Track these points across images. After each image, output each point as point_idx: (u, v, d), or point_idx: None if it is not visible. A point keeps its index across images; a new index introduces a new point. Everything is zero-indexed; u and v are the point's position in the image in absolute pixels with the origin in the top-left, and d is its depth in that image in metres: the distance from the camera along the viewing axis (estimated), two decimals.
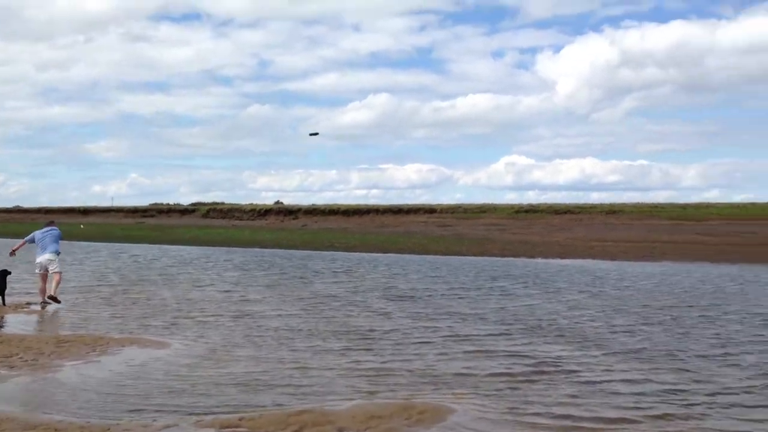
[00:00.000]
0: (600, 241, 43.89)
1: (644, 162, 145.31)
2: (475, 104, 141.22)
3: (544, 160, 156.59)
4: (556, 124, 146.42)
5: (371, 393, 9.02)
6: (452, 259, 34.63)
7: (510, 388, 9.27)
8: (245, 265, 29.31)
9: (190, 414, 8.05)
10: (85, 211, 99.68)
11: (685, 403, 8.57)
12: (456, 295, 19.19)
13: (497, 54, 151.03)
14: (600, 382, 9.56)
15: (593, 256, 35.29)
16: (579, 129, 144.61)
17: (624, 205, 68.93)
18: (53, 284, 16.30)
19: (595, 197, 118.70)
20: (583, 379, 9.72)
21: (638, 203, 70.55)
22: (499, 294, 19.43)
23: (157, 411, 8.15)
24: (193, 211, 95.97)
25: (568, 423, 7.85)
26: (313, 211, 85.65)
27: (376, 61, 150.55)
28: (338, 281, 22.80)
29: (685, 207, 65.07)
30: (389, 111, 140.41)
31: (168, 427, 7.59)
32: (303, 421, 7.76)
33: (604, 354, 11.32)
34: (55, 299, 16.15)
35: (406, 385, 9.39)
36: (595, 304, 17.28)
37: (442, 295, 19.18)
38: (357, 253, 38.58)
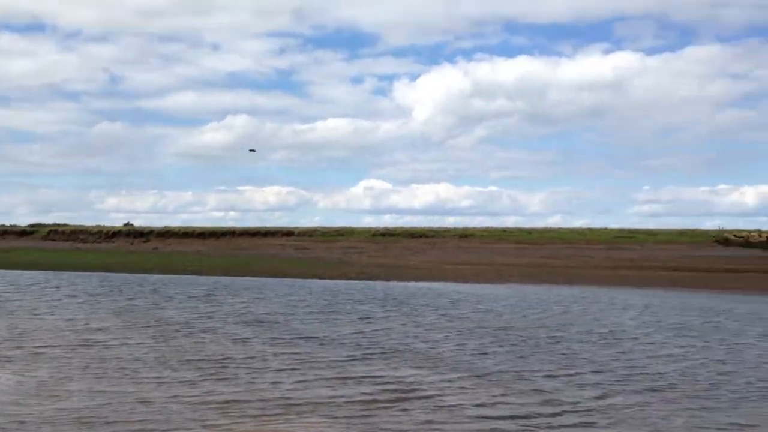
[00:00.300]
0: (453, 264, 45.28)
1: (494, 188, 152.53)
2: (335, 128, 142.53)
3: (401, 185, 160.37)
4: (413, 150, 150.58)
5: (219, 426, 8.65)
6: (310, 282, 34.41)
7: (364, 415, 9.24)
8: (90, 291, 27.56)
9: None
10: None
11: (532, 424, 8.90)
12: (315, 319, 19.04)
13: (356, 80, 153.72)
14: (454, 406, 9.74)
15: (447, 279, 36.31)
16: (434, 155, 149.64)
17: (475, 229, 71.87)
18: None
19: (450, 221, 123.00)
20: (438, 404, 9.88)
21: (488, 227, 73.81)
22: (358, 318, 19.50)
23: None
24: (33, 232, 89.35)
25: None
26: (165, 234, 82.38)
27: (235, 81, 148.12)
28: (192, 306, 21.93)
29: (530, 231, 68.85)
30: (249, 132, 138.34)
31: None
32: None
33: (459, 377, 11.60)
34: None
35: (257, 416, 9.10)
36: (452, 327, 17.76)
37: (301, 319, 18.97)
38: (213, 277, 37.42)
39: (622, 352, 14.29)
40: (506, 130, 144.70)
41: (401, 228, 76.59)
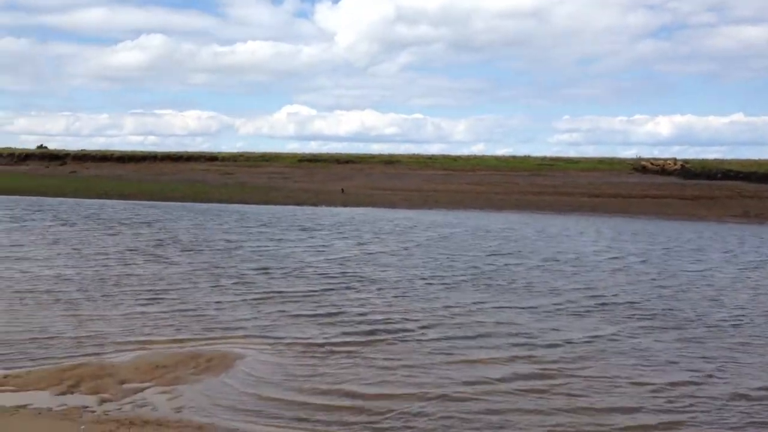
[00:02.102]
0: (380, 189, 45.59)
1: (419, 116, 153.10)
2: (255, 51, 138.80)
3: (326, 110, 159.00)
4: (336, 75, 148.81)
5: (154, 342, 8.69)
6: (238, 207, 34.07)
7: (300, 329, 9.44)
8: (21, 216, 26.50)
9: None
10: None
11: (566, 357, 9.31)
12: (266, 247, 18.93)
13: (276, 1, 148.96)
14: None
15: (375, 205, 36.61)
16: (358, 81, 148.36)
17: (401, 155, 72.13)
18: None
19: (375, 148, 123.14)
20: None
21: (414, 154, 74.27)
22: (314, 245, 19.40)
23: None
24: None
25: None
26: (83, 157, 79.34)
27: None
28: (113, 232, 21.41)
29: (456, 158, 69.66)
30: (165, 53, 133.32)
31: None
32: (79, 375, 7.31)
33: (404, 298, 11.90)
34: None
35: (194, 331, 9.18)
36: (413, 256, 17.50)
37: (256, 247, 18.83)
38: (136, 201, 36.54)
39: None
40: (430, 57, 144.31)
41: (327, 154, 76.23)
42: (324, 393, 7.08)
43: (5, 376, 7.19)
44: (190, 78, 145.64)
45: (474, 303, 11.45)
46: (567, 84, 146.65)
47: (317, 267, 14.78)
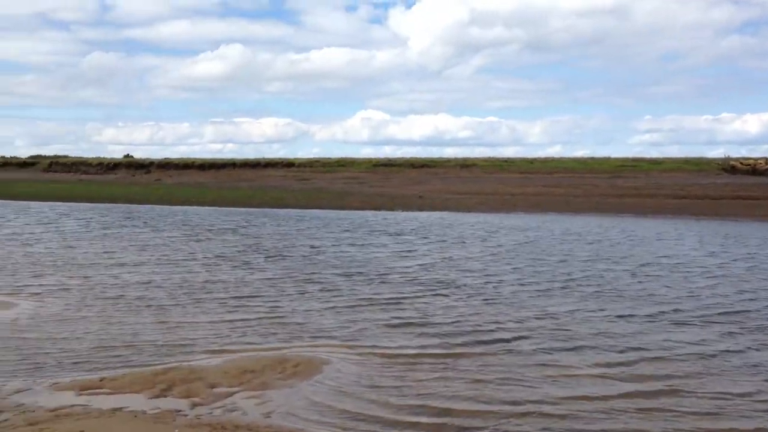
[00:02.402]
0: (456, 193, 45.28)
1: (493, 118, 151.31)
2: (330, 58, 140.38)
3: (399, 115, 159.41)
4: (410, 80, 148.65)
5: (241, 347, 8.79)
6: (316, 212, 34.46)
7: (386, 337, 9.38)
8: (112, 223, 27.62)
9: (45, 375, 7.48)
10: None
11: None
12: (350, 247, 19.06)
13: (351, 7, 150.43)
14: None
15: (451, 209, 36.35)
16: (432, 85, 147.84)
17: (477, 159, 71.50)
18: None
19: (449, 152, 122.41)
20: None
21: (489, 157, 73.41)
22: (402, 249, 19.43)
23: (5, 374, 7.50)
24: (34, 164, 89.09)
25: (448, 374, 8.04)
26: (166, 165, 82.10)
27: (227, 10, 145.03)
28: (224, 239, 21.96)
29: (532, 161, 68.53)
30: (243, 62, 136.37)
31: (20, 391, 7.01)
32: (170, 379, 7.43)
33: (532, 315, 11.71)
34: None
35: (280, 337, 9.24)
36: (501, 255, 17.48)
37: (330, 249, 19.00)
38: (217, 208, 37.49)
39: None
40: (504, 59, 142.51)
41: (402, 158, 76.26)
42: (411, 405, 6.88)
43: (101, 379, 7.38)
44: (267, 86, 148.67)
45: (567, 311, 11.03)
46: (648, 82, 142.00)
47: (401, 272, 14.67)
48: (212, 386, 7.28)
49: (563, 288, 13.03)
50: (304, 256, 17.20)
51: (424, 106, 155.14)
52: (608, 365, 8.20)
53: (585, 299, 11.97)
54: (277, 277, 13.95)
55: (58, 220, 27.87)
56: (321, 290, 12.54)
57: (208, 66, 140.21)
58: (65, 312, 10.49)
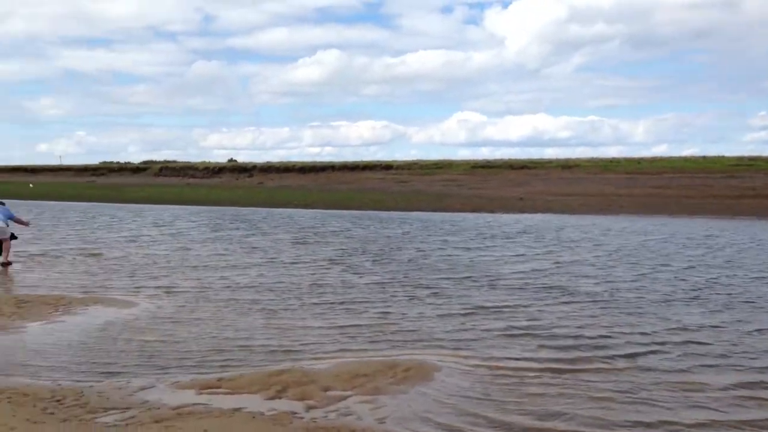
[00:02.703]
0: (559, 195, 44.22)
1: (594, 117, 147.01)
2: (426, 60, 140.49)
3: (496, 116, 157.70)
4: (507, 80, 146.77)
5: (350, 350, 8.78)
6: (416, 215, 34.43)
7: (499, 345, 9.13)
8: (221, 225, 28.63)
9: (166, 374, 7.70)
10: (33, 170, 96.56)
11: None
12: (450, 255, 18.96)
13: (446, 9, 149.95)
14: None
15: (553, 211, 35.47)
16: (529, 84, 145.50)
17: (579, 159, 69.61)
18: (5, 252, 15.71)
19: (549, 153, 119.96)
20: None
21: (593, 158, 71.30)
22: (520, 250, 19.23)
23: (130, 372, 7.77)
24: (145, 169, 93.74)
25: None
26: (268, 169, 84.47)
27: (324, 16, 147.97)
28: (328, 242, 22.33)
29: (639, 161, 65.99)
30: (339, 67, 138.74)
31: (144, 388, 7.23)
32: (285, 381, 7.47)
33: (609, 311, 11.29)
34: (5, 264, 15.48)
35: (390, 342, 9.18)
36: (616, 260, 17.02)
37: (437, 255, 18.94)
38: (318, 210, 38.13)
39: None
40: (605, 56, 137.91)
41: (501, 160, 75.25)
42: (530, 424, 6.46)
43: (219, 379, 7.52)
44: (363, 89, 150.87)
45: (697, 322, 10.28)
46: (761, 76, 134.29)
47: (511, 277, 14.30)
48: (325, 389, 7.28)
49: (690, 296, 12.24)
50: (410, 259, 17.09)
51: (521, 106, 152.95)
52: (751, 386, 7.49)
53: (716, 310, 11.17)
54: (385, 281, 13.89)
55: (172, 222, 29.09)
56: (430, 295, 12.38)
57: (306, 71, 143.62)
58: (179, 313, 10.81)
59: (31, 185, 67.02)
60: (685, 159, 66.04)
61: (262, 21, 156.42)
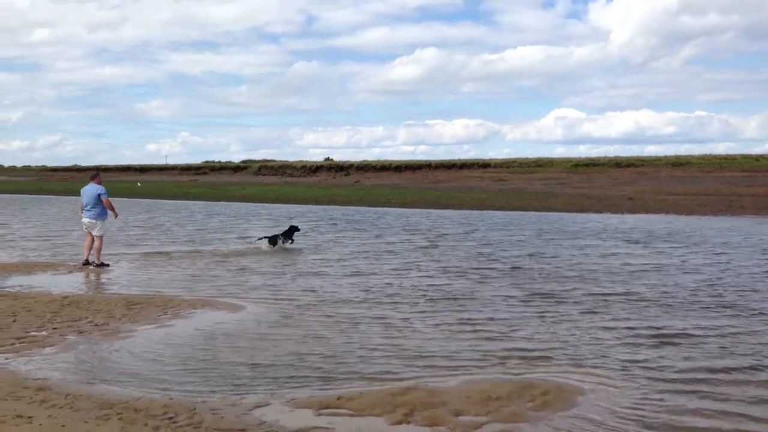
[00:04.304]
0: (670, 194, 41.80)
1: (702, 113, 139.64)
2: (525, 56, 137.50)
3: (596, 113, 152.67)
4: (609, 75, 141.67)
5: (481, 367, 7.94)
6: (518, 214, 33.19)
7: (643, 365, 8.09)
8: (342, 228, 28.47)
9: (281, 389, 7.11)
10: (141, 169, 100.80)
11: None
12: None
13: (548, 4, 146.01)
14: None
15: (666, 211, 33.40)
16: (633, 79, 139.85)
17: (690, 156, 65.83)
18: (95, 250, 15.45)
19: (650, 150, 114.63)
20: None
21: (705, 155, 67.23)
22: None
23: (243, 384, 7.24)
24: (245, 168, 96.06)
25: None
26: (364, 167, 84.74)
27: (423, 14, 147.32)
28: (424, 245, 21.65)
29: (758, 158, 61.64)
30: (437, 65, 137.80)
31: (260, 406, 6.65)
32: (411, 402, 6.73)
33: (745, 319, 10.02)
34: (100, 265, 15.26)
35: (518, 359, 8.28)
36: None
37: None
38: (429, 210, 37.46)
39: None
40: (718, 48, 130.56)
41: (605, 157, 72.30)
42: None
43: (339, 398, 6.87)
44: (461, 87, 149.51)
45: None
46: None
47: (664, 290, 12.53)
48: (457, 414, 6.49)
49: None
50: (539, 268, 15.47)
51: (623, 102, 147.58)
52: None
53: None
54: (518, 296, 12.44)
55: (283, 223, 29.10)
56: (555, 303, 11.38)
57: (404, 70, 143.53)
58: (290, 321, 10.30)
59: (138, 184, 69.73)
60: None
61: (363, 21, 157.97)
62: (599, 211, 34.12)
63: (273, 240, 18.00)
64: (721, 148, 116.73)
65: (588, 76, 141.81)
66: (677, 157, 65.33)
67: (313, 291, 12.45)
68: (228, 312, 10.74)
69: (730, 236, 21.69)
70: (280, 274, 14.39)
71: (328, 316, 10.40)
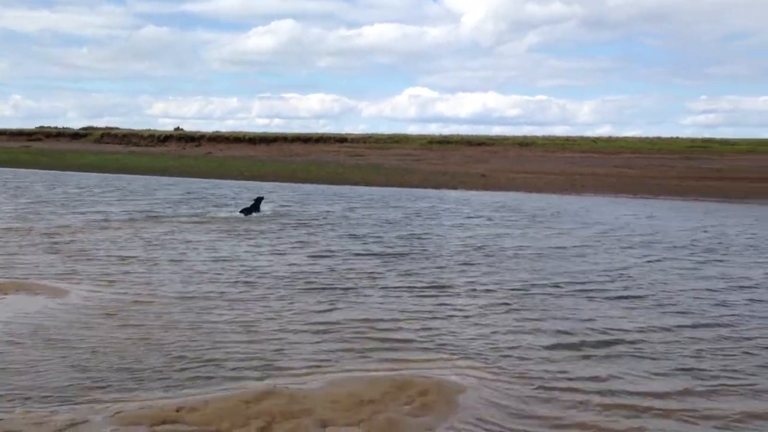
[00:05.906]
0: (521, 173, 42.95)
1: (543, 97, 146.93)
2: (382, 33, 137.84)
3: (448, 92, 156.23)
4: (461, 56, 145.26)
5: (339, 361, 6.96)
6: (377, 190, 32.64)
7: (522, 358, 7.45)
8: (184, 199, 26.24)
9: (103, 401, 5.75)
10: None
11: None
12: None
13: None
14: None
15: (518, 189, 34.13)
16: (483, 62, 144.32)
17: (535, 137, 68.60)
18: None
19: (497, 131, 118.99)
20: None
21: (548, 136, 70.47)
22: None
23: (56, 394, 5.81)
24: (85, 135, 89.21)
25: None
26: (217, 138, 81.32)
27: None
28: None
29: (595, 140, 65.32)
30: (294, 37, 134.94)
31: (74, 424, 5.29)
32: (268, 410, 5.65)
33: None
34: None
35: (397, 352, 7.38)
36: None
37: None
38: (286, 183, 35.98)
39: None
40: (560, 36, 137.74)
41: (458, 135, 73.71)
42: None
43: (178, 409, 5.62)
44: (316, 61, 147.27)
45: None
46: (708, 62, 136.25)
47: (525, 259, 12.58)
48: (324, 424, 5.48)
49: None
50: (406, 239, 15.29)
51: (473, 83, 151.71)
52: None
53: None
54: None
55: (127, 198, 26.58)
56: (431, 287, 10.66)
57: (259, 41, 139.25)
58: (121, 307, 8.83)
59: None
60: (641, 140, 65.68)
61: None
62: (454, 188, 34.29)
63: (247, 211, 19.59)
64: (558, 131, 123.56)
65: (441, 57, 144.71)
66: (524, 137, 67.92)
67: (157, 276, 10.94)
68: (47, 297, 9.07)
69: (590, 215, 22.22)
70: (114, 254, 12.67)
71: (170, 305, 9.01)
